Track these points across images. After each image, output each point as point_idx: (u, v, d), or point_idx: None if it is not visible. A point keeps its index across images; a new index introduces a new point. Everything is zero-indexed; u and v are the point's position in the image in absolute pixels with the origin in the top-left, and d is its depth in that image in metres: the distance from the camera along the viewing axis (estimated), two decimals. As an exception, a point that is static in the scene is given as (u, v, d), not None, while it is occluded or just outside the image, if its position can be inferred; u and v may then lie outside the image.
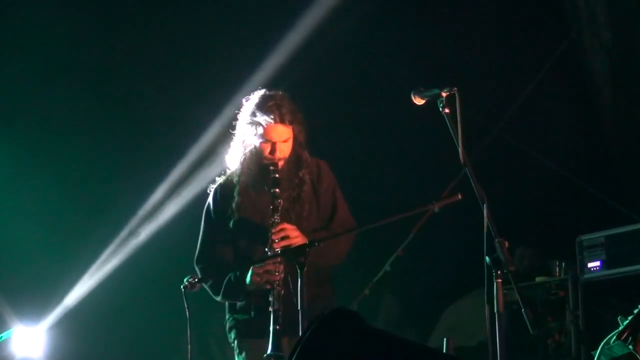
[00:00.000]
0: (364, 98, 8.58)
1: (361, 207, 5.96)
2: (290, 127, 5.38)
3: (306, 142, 5.53)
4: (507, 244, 4.18)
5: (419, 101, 4.72)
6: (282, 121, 5.33)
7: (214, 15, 8.42)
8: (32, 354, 6.98)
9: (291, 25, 8.15)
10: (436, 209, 4.81)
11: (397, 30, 8.10)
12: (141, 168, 8.36)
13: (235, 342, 5.51)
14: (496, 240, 4.18)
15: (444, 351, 4.66)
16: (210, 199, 5.60)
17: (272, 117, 5.32)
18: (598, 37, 8.40)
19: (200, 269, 5.50)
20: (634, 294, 6.06)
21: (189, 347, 5.06)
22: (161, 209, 8.53)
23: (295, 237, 5.21)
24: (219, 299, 5.48)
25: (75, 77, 8.34)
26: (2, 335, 6.54)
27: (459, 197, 4.71)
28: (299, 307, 4.72)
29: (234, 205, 5.45)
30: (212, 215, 5.56)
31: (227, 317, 5.56)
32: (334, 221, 5.51)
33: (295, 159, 5.47)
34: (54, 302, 8.24)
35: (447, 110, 4.52)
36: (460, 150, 4.40)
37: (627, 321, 5.18)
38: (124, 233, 8.48)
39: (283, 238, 5.19)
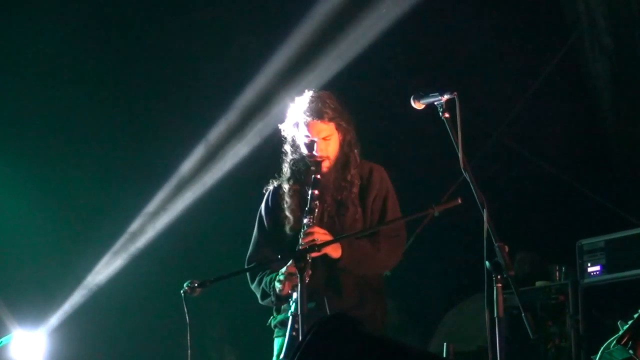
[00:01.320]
0: (363, 102, 8.57)
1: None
2: (332, 123, 5.27)
3: (355, 143, 5.39)
4: (507, 248, 4.18)
5: (418, 106, 4.72)
6: (320, 117, 5.23)
7: (214, 18, 8.42)
8: (32, 359, 6.98)
9: (292, 29, 8.16)
10: (436, 214, 4.79)
11: (396, 34, 8.09)
12: (142, 171, 8.37)
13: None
14: (496, 244, 4.18)
15: (444, 356, 4.66)
16: (262, 204, 5.53)
17: (310, 113, 5.24)
18: (598, 42, 8.41)
19: (250, 273, 5.45)
20: (634, 298, 6.06)
21: (189, 352, 5.04)
22: (162, 213, 8.53)
23: (323, 240, 5.08)
24: (260, 302, 5.42)
25: (76, 78, 8.34)
26: (1, 340, 6.53)
27: (459, 201, 4.70)
28: (298, 312, 4.71)
29: (286, 208, 5.37)
30: (264, 219, 5.49)
31: (271, 317, 5.47)
32: (380, 233, 5.30)
33: (342, 160, 5.34)
34: (54, 307, 8.24)
35: (446, 115, 4.52)
36: (460, 154, 4.40)
37: (627, 325, 5.18)
38: (124, 237, 8.48)
39: (311, 242, 5.03)
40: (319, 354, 2.81)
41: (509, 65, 8.43)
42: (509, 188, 8.14)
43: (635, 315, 5.20)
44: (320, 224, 5.17)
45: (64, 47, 8.18)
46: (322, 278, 5.16)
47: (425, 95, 4.67)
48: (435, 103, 4.60)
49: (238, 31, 8.35)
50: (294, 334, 4.92)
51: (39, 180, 8.26)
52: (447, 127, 4.49)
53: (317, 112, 5.25)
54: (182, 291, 4.96)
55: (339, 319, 2.86)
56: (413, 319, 9.08)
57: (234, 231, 8.63)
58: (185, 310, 4.95)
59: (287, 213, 5.36)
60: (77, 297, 8.36)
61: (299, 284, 4.73)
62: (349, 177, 5.33)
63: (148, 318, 8.57)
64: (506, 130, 8.55)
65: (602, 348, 5.26)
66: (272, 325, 5.42)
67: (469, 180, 4.39)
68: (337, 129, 5.30)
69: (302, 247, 4.99)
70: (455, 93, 4.50)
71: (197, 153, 8.51)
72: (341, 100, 5.43)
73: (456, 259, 8.35)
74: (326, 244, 4.97)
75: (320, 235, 5.06)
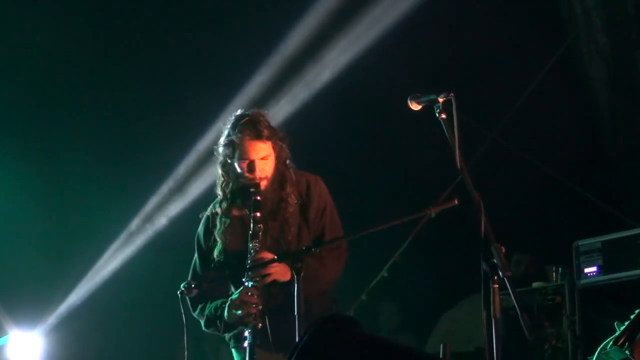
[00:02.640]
0: (359, 104, 8.58)
1: (357, 213, 5.95)
2: (269, 142, 5.17)
3: (289, 160, 5.31)
4: (503, 249, 4.18)
5: (415, 106, 4.72)
6: (258, 137, 5.13)
7: (209, 22, 8.43)
8: (28, 360, 6.98)
9: (284, 35, 8.16)
10: (432, 215, 4.79)
11: (393, 35, 8.10)
12: (139, 172, 8.37)
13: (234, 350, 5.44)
14: (493, 245, 4.18)
15: (441, 357, 4.65)
16: (200, 228, 5.46)
17: (248, 133, 5.13)
18: (595, 43, 8.41)
19: (190, 299, 5.33)
20: (630, 299, 6.06)
21: (185, 353, 5.04)
22: (158, 214, 8.53)
23: (274, 267, 5.05)
24: (204, 329, 5.39)
25: (73, 80, 8.34)
26: (-2, 340, 6.54)
27: (456, 202, 4.70)
28: (295, 313, 4.71)
29: (216, 233, 5.31)
30: (203, 245, 5.42)
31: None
32: (321, 243, 5.25)
33: (278, 178, 5.26)
34: (50, 308, 8.24)
35: (443, 116, 4.51)
36: (456, 155, 4.40)
37: (624, 326, 5.18)
38: (121, 238, 8.47)
39: (262, 275, 5.02)
40: (317, 356, 2.81)
41: (506, 66, 8.43)
42: (505, 189, 8.13)
43: (632, 316, 5.20)
44: (265, 247, 5.13)
45: (60, 49, 8.18)
46: (268, 301, 5.11)
47: (422, 96, 4.67)
48: (432, 104, 4.59)
49: (236, 31, 8.35)
50: None
51: (35, 182, 8.26)
52: (444, 127, 4.49)
53: (256, 132, 5.15)
54: (178, 292, 4.96)
55: (336, 319, 2.86)
56: (410, 319, 9.09)
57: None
58: (182, 311, 4.95)
59: (217, 237, 5.31)
60: (73, 298, 8.36)
61: (296, 285, 4.72)
62: (285, 196, 5.26)
63: (145, 319, 8.57)
64: (503, 131, 8.55)
65: (598, 349, 5.27)
66: (227, 338, 5.40)
67: (465, 181, 4.39)
68: (273, 148, 5.22)
69: (260, 280, 5.00)
70: (452, 94, 4.50)
71: (194, 154, 8.50)
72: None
73: (453, 260, 8.34)
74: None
75: (271, 266, 5.03)
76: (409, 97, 4.73)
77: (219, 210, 5.36)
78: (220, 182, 5.35)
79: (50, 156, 8.38)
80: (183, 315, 4.96)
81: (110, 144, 8.52)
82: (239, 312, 5.02)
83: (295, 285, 4.72)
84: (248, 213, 5.17)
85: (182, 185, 8.55)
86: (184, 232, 8.54)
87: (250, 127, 5.16)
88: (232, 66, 8.35)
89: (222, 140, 5.28)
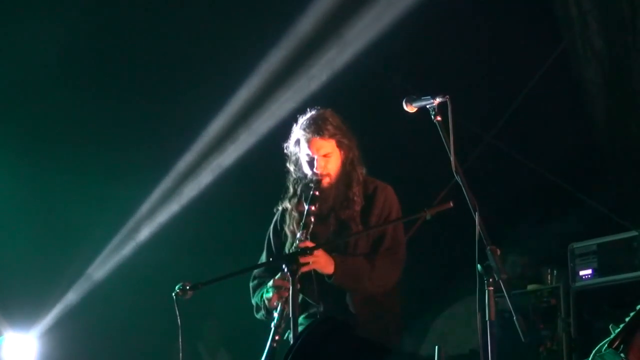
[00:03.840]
0: (355, 105, 8.57)
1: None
2: (332, 140, 5.26)
3: (359, 161, 5.37)
4: (498, 251, 4.18)
5: (411, 109, 4.72)
6: (319, 134, 5.23)
7: (209, 17, 8.42)
8: (23, 361, 6.98)
9: (279, 37, 8.17)
10: (428, 217, 4.80)
11: (389, 38, 8.10)
12: (134, 173, 8.36)
13: None
14: (488, 248, 4.19)
15: (436, 359, 4.65)
16: (272, 225, 5.55)
17: (310, 130, 5.25)
18: (591, 46, 8.41)
19: (251, 287, 5.48)
20: (625, 301, 6.05)
21: (180, 354, 5.04)
22: (153, 216, 8.52)
23: (317, 257, 5.05)
24: (255, 314, 5.45)
25: (72, 78, 8.33)
26: (-7, 342, 6.53)
27: (451, 204, 4.71)
28: (281, 324, 4.72)
29: (286, 228, 5.38)
30: (272, 241, 5.50)
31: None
32: (379, 250, 5.29)
33: (344, 178, 5.31)
34: (45, 309, 8.23)
35: (439, 118, 4.52)
36: (452, 157, 4.40)
37: (619, 329, 5.18)
38: (115, 240, 8.47)
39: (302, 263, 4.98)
40: (310, 358, 2.81)
41: (501, 69, 8.44)
42: (501, 191, 8.14)
43: (627, 319, 5.20)
44: (321, 242, 5.15)
45: (54, 51, 8.17)
46: (327, 297, 5.16)
47: (418, 98, 4.67)
48: (428, 106, 4.60)
49: (234, 31, 8.34)
50: (274, 345, 4.94)
51: (29, 183, 8.24)
52: (440, 130, 4.49)
53: (317, 129, 5.25)
54: (173, 294, 4.95)
55: (329, 323, 2.86)
56: (405, 321, 9.07)
57: (227, 234, 8.65)
58: (177, 313, 4.95)
59: (287, 232, 5.37)
60: (68, 300, 8.35)
61: (291, 287, 4.72)
62: (350, 195, 5.30)
63: (140, 321, 8.56)
64: (498, 134, 8.55)
65: (593, 351, 5.26)
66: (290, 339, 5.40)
67: (460, 183, 4.39)
68: (338, 146, 5.30)
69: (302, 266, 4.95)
70: (448, 96, 4.50)
71: (190, 156, 8.50)
72: (344, 118, 5.42)
73: (448, 262, 8.34)
74: (313, 248, 4.96)
75: (312, 253, 5.03)
76: (405, 99, 4.74)
77: (288, 205, 5.42)
78: (292, 178, 5.43)
79: (44, 159, 8.36)
80: (178, 317, 4.96)
81: (105, 146, 8.50)
82: (270, 294, 5.08)
83: (290, 287, 4.72)
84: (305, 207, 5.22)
85: (178, 185, 8.55)
86: (181, 232, 8.58)
87: (314, 124, 5.28)
88: (226, 71, 8.34)
89: (292, 138, 5.40)
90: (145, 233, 8.52)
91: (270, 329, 5.17)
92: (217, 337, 9.59)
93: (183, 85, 8.48)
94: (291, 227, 5.35)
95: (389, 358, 2.88)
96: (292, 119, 5.53)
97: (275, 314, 5.02)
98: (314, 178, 5.24)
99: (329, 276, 5.10)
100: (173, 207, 8.53)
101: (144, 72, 8.36)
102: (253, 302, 5.44)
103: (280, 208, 5.52)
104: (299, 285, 4.81)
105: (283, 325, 5.02)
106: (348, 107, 8.49)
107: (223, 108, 8.43)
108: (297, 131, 5.34)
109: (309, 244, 5.08)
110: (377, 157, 8.60)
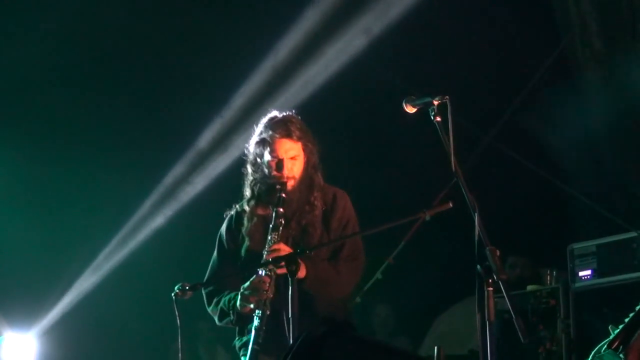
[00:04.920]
0: (354, 106, 8.58)
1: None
2: (299, 143, 5.23)
3: (319, 166, 5.34)
4: (498, 252, 4.18)
5: (410, 109, 4.72)
6: (288, 136, 5.20)
7: (211, 22, 8.42)
8: (22, 361, 6.98)
9: (279, 37, 8.17)
10: (427, 217, 4.79)
11: (388, 38, 8.10)
12: (133, 174, 8.36)
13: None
14: (487, 248, 4.18)
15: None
16: (223, 226, 5.49)
17: (279, 131, 5.20)
18: (590, 46, 8.41)
19: (206, 293, 5.42)
20: (625, 302, 6.04)
21: (180, 355, 5.04)
22: (151, 216, 8.52)
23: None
24: (218, 323, 5.40)
25: (72, 78, 8.33)
26: (-8, 342, 6.53)
27: (450, 205, 4.70)
28: (289, 315, 4.70)
29: (243, 231, 5.33)
30: (225, 243, 5.45)
31: (235, 339, 5.42)
32: (340, 256, 5.27)
33: (307, 181, 5.29)
34: (45, 309, 8.23)
35: (438, 119, 4.52)
36: (451, 158, 4.40)
37: (618, 330, 5.18)
38: (115, 240, 8.47)
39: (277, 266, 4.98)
40: (310, 358, 2.81)
41: (501, 69, 8.44)
42: (500, 192, 8.13)
43: (626, 320, 5.20)
44: (285, 243, 5.13)
45: (54, 49, 8.17)
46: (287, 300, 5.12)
47: (417, 98, 4.67)
48: (427, 107, 4.59)
49: (231, 32, 8.34)
50: (256, 347, 4.90)
51: (28, 184, 8.25)
52: (439, 130, 4.49)
53: (286, 131, 5.21)
54: (173, 294, 4.95)
55: (329, 323, 2.86)
56: (404, 322, 9.09)
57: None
58: (176, 313, 4.94)
59: (245, 235, 5.32)
60: (67, 300, 8.35)
61: (290, 287, 4.71)
62: (312, 200, 5.28)
63: (139, 321, 8.56)
64: (498, 134, 8.55)
65: (592, 352, 5.26)
66: (237, 347, 5.38)
67: (460, 184, 4.39)
68: (303, 149, 5.26)
69: (268, 256, 4.98)
70: (447, 97, 4.50)
71: (188, 157, 8.50)
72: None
73: (447, 262, 8.35)
74: (289, 256, 4.89)
75: (285, 251, 5.02)
76: (404, 99, 4.73)
77: (246, 208, 5.39)
78: (249, 180, 5.40)
79: (43, 159, 8.36)
80: (177, 318, 4.95)
81: (104, 146, 8.51)
82: (249, 300, 5.02)
83: (290, 287, 4.71)
84: (272, 210, 5.18)
85: (178, 185, 8.55)
86: (179, 233, 8.58)
87: (282, 125, 5.23)
88: (226, 69, 8.34)
89: (253, 138, 5.35)
90: (145, 233, 8.51)
91: (243, 344, 5.20)
92: (214, 337, 9.59)
93: (182, 88, 8.49)
94: (248, 230, 5.31)
95: (389, 357, 2.88)
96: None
97: (255, 318, 4.96)
98: (280, 180, 5.20)
99: (301, 280, 5.04)
100: (172, 208, 8.53)
101: (145, 73, 8.37)
102: (213, 309, 5.37)
103: (233, 211, 5.47)
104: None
105: (264, 329, 4.96)
106: (347, 107, 8.54)
107: (223, 110, 8.44)
108: (262, 131, 5.29)
109: (284, 247, 5.05)
110: (377, 157, 8.64)
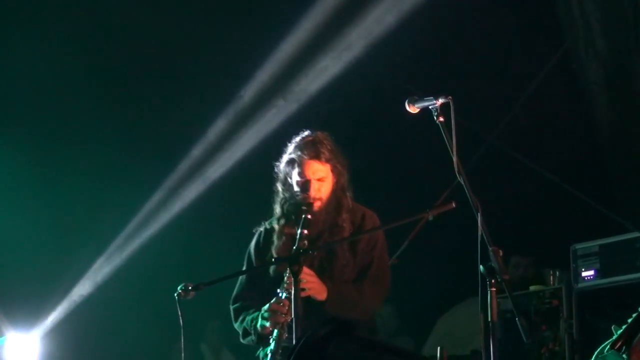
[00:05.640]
0: (357, 106, 8.58)
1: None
2: (328, 165, 5.21)
3: (348, 187, 5.31)
4: (501, 252, 4.18)
5: (413, 110, 4.72)
6: (317, 157, 5.18)
7: (214, 21, 8.42)
8: (25, 362, 6.98)
9: (281, 37, 8.17)
10: (430, 217, 4.79)
11: (391, 38, 8.10)
12: (136, 174, 8.36)
13: None
14: (490, 248, 4.18)
15: (438, 360, 4.66)
16: (252, 243, 5.48)
17: (307, 152, 5.18)
18: (593, 47, 8.41)
19: (233, 310, 5.43)
20: (628, 302, 6.04)
21: (182, 354, 5.04)
22: (154, 217, 8.52)
23: (312, 283, 5.04)
24: (242, 341, 5.40)
25: (75, 80, 8.33)
26: (-5, 342, 6.53)
27: (453, 205, 4.70)
28: (278, 350, 4.71)
29: (273, 249, 5.30)
30: (252, 260, 5.43)
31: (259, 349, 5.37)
32: (366, 277, 5.25)
33: (334, 203, 5.25)
34: (47, 309, 8.23)
35: (441, 119, 4.52)
36: (454, 158, 4.40)
37: (621, 330, 5.18)
38: (117, 240, 8.47)
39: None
40: (313, 358, 2.81)
41: (504, 69, 8.44)
42: (503, 192, 8.14)
43: (629, 320, 5.20)
44: (311, 269, 5.11)
45: (58, 51, 8.17)
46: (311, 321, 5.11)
47: (420, 99, 4.67)
48: (430, 107, 4.59)
49: (233, 33, 8.34)
50: None
51: (32, 184, 8.25)
52: (442, 131, 4.49)
53: (315, 152, 5.19)
54: (175, 294, 4.95)
55: (333, 323, 2.86)
56: (407, 322, 9.08)
57: (228, 234, 8.64)
58: (179, 313, 4.94)
59: (274, 253, 5.29)
60: (70, 300, 8.35)
61: (293, 287, 4.72)
62: (340, 222, 5.25)
63: (142, 321, 8.56)
64: (501, 135, 8.55)
65: (595, 353, 5.26)
66: (260, 357, 5.36)
67: (463, 184, 4.39)
68: (332, 171, 5.24)
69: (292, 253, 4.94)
70: (450, 97, 4.50)
71: (190, 158, 8.50)
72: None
73: (450, 262, 8.35)
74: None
75: (308, 276, 5.01)
76: (407, 100, 4.73)
77: (275, 226, 5.36)
78: (280, 198, 5.36)
79: (48, 160, 8.37)
80: (180, 318, 4.95)
81: (107, 147, 8.51)
82: (268, 323, 5.01)
83: (293, 287, 4.71)
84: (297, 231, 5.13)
85: (181, 185, 8.55)
86: (181, 234, 8.59)
87: (311, 146, 5.20)
88: (228, 70, 8.35)
89: (284, 157, 5.32)
90: (147, 233, 8.51)
91: (267, 355, 5.10)
92: (219, 338, 9.59)
93: (184, 90, 8.49)
94: (278, 249, 5.28)
95: (392, 357, 2.87)
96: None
97: (272, 341, 4.96)
98: (306, 201, 5.17)
99: (321, 302, 5.07)
100: (175, 208, 8.53)
101: (148, 72, 8.36)
102: (238, 327, 5.36)
103: (262, 228, 5.46)
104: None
105: (280, 352, 4.95)
106: (350, 108, 8.53)
107: (225, 110, 8.44)
108: (292, 151, 5.27)
109: (306, 269, 4.97)
110: (380, 158, 8.64)
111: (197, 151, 8.50)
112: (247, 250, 5.50)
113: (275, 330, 4.95)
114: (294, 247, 5.03)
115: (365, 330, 5.28)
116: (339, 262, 5.22)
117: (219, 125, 8.47)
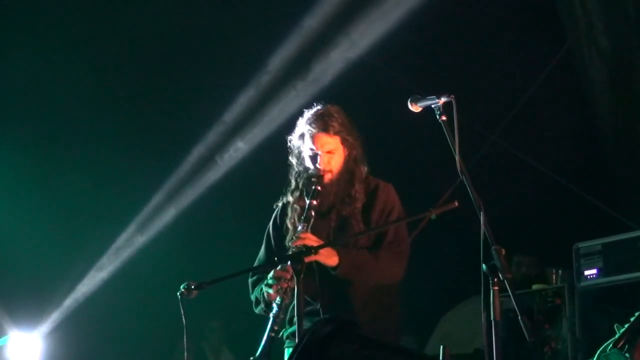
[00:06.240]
0: (360, 105, 8.57)
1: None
2: (337, 137, 5.24)
3: (362, 159, 5.33)
4: (504, 251, 4.18)
5: (416, 108, 4.72)
6: (325, 130, 5.21)
7: (217, 21, 8.42)
8: (28, 361, 6.98)
9: (285, 35, 8.17)
10: (433, 216, 4.79)
11: (394, 37, 8.10)
12: (138, 174, 8.36)
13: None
14: (493, 247, 4.18)
15: (441, 359, 4.66)
16: (271, 220, 5.51)
17: (316, 125, 5.23)
18: (596, 45, 8.41)
19: (250, 283, 5.45)
20: (630, 301, 6.06)
21: (185, 354, 5.04)
22: (157, 215, 8.53)
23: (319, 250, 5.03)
24: (255, 311, 5.42)
25: (77, 81, 8.33)
26: (-2, 341, 6.54)
27: (456, 204, 4.70)
28: (279, 315, 4.71)
29: (288, 221, 5.35)
30: (270, 235, 5.47)
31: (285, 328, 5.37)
32: (382, 244, 5.24)
33: (346, 175, 5.28)
34: (50, 308, 8.24)
35: (444, 118, 4.52)
36: (457, 157, 4.39)
37: (624, 329, 5.19)
38: (120, 239, 8.47)
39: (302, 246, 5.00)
40: (316, 356, 2.81)
41: (506, 68, 8.44)
42: (506, 191, 8.13)
43: (632, 319, 5.21)
44: (326, 240, 5.14)
45: (60, 52, 8.18)
46: (327, 295, 5.12)
47: (423, 98, 4.67)
48: (433, 106, 4.59)
49: (239, 31, 8.35)
50: (272, 334, 4.92)
51: (34, 183, 8.25)
52: (445, 129, 4.49)
53: (323, 125, 5.22)
54: (178, 293, 4.95)
55: (334, 322, 2.86)
56: (410, 321, 9.07)
57: (231, 233, 8.66)
58: (182, 312, 4.95)
59: (289, 225, 5.33)
60: (73, 299, 8.36)
61: (296, 287, 4.71)
62: (352, 193, 5.26)
63: (144, 320, 8.57)
64: (503, 133, 8.55)
65: (598, 351, 5.27)
66: (284, 336, 5.38)
67: (465, 183, 4.38)
68: (342, 143, 5.27)
69: (293, 251, 4.97)
70: (453, 96, 4.50)
71: (192, 157, 8.50)
72: (349, 115, 5.40)
73: (453, 261, 8.35)
74: (319, 247, 4.93)
75: (312, 241, 5.02)
76: (410, 98, 4.73)
77: (290, 198, 5.40)
78: (294, 172, 5.41)
79: (50, 159, 8.37)
80: (183, 317, 4.95)
81: (109, 147, 8.51)
82: (271, 290, 5.04)
83: (296, 287, 4.71)
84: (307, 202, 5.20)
85: (183, 185, 8.56)
86: (184, 232, 8.59)
87: (320, 119, 5.25)
88: (229, 72, 8.35)
89: (296, 131, 5.37)
90: (150, 232, 8.52)
91: (269, 319, 5.17)
92: (220, 337, 9.60)
93: (189, 88, 8.49)
94: (292, 220, 5.33)
95: (394, 356, 2.88)
96: (291, 123, 5.50)
97: (274, 305, 4.99)
98: (316, 173, 5.23)
99: (334, 268, 5.08)
100: (178, 207, 8.54)
101: (153, 76, 8.36)
102: (252, 297, 5.40)
103: (281, 202, 5.50)
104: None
105: (282, 317, 5.01)
106: (353, 106, 8.52)
107: (231, 104, 8.45)
108: (302, 125, 5.31)
109: (310, 236, 5.04)
110: (382, 156, 8.64)
111: (199, 150, 8.50)
112: (267, 228, 5.53)
113: (279, 297, 4.97)
114: (303, 217, 5.13)
115: (393, 334, 5.29)
116: (352, 232, 5.22)
117: (221, 125, 8.47)
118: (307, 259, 4.90)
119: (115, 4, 8.33)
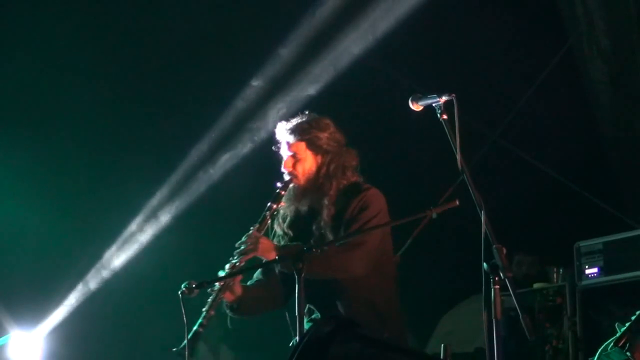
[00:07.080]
0: (361, 104, 8.58)
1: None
2: (302, 143, 5.24)
3: (342, 171, 5.25)
4: (504, 250, 4.18)
5: (417, 107, 4.72)
6: (291, 133, 5.25)
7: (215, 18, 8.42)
8: (29, 360, 6.99)
9: (285, 35, 8.17)
10: (434, 215, 4.78)
11: (394, 36, 8.10)
12: (140, 171, 8.36)
13: None
14: (494, 246, 4.18)
15: (442, 357, 4.66)
16: None
17: (281, 129, 5.29)
18: (597, 44, 8.41)
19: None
20: (631, 300, 6.06)
21: (186, 353, 5.05)
22: (160, 213, 8.53)
23: (259, 244, 5.07)
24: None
25: (78, 78, 8.33)
26: (-1, 340, 6.54)
27: (457, 203, 4.69)
28: (296, 314, 4.70)
29: (276, 227, 5.38)
30: (270, 237, 5.43)
31: None
32: (344, 236, 5.14)
33: (315, 183, 5.24)
34: (51, 307, 8.23)
35: (445, 117, 4.52)
36: (458, 156, 4.40)
37: (625, 328, 5.19)
38: (121, 238, 8.47)
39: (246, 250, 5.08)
40: (316, 356, 2.81)
41: (508, 67, 8.44)
42: (507, 190, 8.14)
43: (633, 318, 5.21)
44: (295, 230, 5.22)
45: (61, 48, 8.17)
46: (314, 298, 5.09)
47: (424, 96, 4.67)
48: (434, 104, 4.59)
49: (236, 31, 8.35)
50: (200, 330, 5.14)
51: (36, 181, 8.25)
52: (445, 128, 4.49)
53: (290, 129, 5.26)
54: (179, 292, 4.95)
55: (336, 321, 2.86)
56: (411, 320, 9.07)
57: (232, 232, 8.65)
58: (183, 311, 4.95)
59: (277, 230, 5.37)
60: (74, 298, 8.35)
61: (297, 286, 4.71)
62: (321, 204, 5.21)
63: (145, 319, 8.56)
64: (504, 132, 8.55)
65: (599, 350, 5.27)
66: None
67: (466, 181, 4.39)
68: (310, 149, 5.25)
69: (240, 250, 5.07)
70: (454, 95, 4.50)
71: (194, 155, 8.50)
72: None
73: (454, 260, 8.35)
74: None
75: (252, 239, 5.08)
76: (411, 97, 4.73)
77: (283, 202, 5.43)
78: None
79: (52, 157, 8.37)
80: (184, 316, 4.96)
81: (112, 144, 8.51)
82: (216, 285, 5.12)
83: (296, 285, 4.71)
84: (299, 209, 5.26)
85: (185, 184, 8.56)
86: (184, 232, 8.59)
87: (290, 124, 5.30)
88: (231, 71, 8.36)
89: None
90: (152, 231, 8.52)
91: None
92: (218, 335, 9.59)
93: (192, 84, 8.49)
94: (279, 223, 5.36)
95: (395, 354, 2.88)
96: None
97: (208, 301, 5.14)
98: (285, 177, 5.27)
99: (274, 261, 5.09)
100: (179, 206, 8.54)
101: (155, 73, 8.37)
102: None
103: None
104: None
105: (212, 313, 5.11)
106: (354, 106, 8.53)
107: (231, 105, 8.45)
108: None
109: (255, 234, 5.10)
110: (383, 155, 8.64)
111: (202, 147, 8.50)
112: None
113: (213, 294, 5.14)
114: (260, 219, 5.18)
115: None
116: (322, 222, 5.19)
117: (223, 123, 8.47)
118: (244, 258, 5.04)
119: (115, 5, 8.32)
